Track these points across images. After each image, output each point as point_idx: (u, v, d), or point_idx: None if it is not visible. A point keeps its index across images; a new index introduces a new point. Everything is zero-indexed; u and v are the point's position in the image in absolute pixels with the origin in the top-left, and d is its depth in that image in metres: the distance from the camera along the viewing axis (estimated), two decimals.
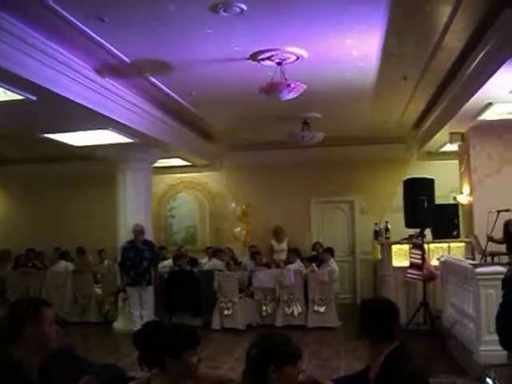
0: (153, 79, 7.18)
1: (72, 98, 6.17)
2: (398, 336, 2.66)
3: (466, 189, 9.13)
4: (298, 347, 2.62)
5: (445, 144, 9.98)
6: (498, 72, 5.81)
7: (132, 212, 9.49)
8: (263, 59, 6.34)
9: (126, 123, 7.59)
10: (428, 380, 2.57)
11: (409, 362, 2.62)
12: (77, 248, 11.35)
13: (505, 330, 2.57)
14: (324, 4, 4.95)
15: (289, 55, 6.27)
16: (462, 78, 6.88)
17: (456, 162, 10.08)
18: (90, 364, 2.85)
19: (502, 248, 7.83)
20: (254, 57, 6.30)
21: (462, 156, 9.37)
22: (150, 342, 2.63)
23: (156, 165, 10.47)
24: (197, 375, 2.67)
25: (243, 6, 4.88)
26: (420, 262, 8.10)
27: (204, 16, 5.06)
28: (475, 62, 6.22)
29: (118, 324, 9.51)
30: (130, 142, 8.75)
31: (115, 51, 5.96)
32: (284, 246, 11.82)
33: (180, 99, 8.23)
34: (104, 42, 5.68)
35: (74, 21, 5.07)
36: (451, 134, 9.06)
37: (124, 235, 9.42)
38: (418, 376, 2.53)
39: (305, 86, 6.38)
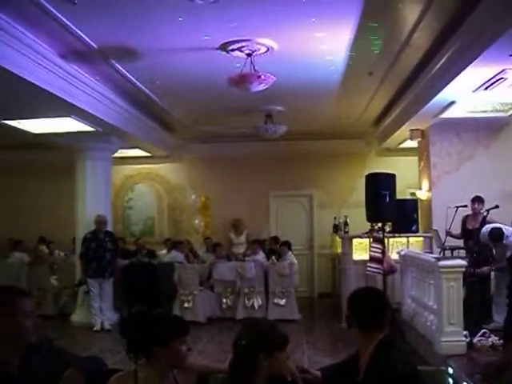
0: (118, 66, 6.99)
1: (34, 81, 5.92)
2: (387, 325, 2.69)
3: (426, 185, 9.35)
4: (285, 333, 2.66)
5: (404, 140, 10.18)
6: (464, 71, 5.95)
7: (91, 202, 9.28)
8: (233, 50, 6.28)
9: (89, 111, 7.39)
10: (417, 369, 2.61)
11: (398, 351, 2.65)
12: (39, 237, 11.07)
13: None
14: None
15: (259, 46, 6.22)
16: (426, 76, 7.01)
17: (412, 158, 10.32)
18: (72, 356, 2.74)
19: (460, 243, 8.06)
20: (224, 47, 6.22)
21: (422, 152, 9.58)
22: (139, 331, 2.56)
23: (114, 155, 10.25)
24: (185, 365, 2.62)
25: None
26: (380, 255, 8.20)
27: (178, 2, 4.97)
28: (441, 61, 6.34)
29: (76, 317, 9.32)
30: (91, 131, 8.55)
31: (83, 36, 5.77)
32: (242, 239, 11.82)
33: (144, 88, 8.06)
34: (72, 26, 5.49)
35: (44, 3, 4.88)
36: (412, 130, 9.26)
37: (82, 226, 9.22)
38: (408, 365, 2.56)
39: (274, 78, 6.37)
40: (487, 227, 6.89)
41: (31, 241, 11.10)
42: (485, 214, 7.46)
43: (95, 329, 8.79)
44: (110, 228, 9.52)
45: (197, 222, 12.06)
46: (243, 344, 2.55)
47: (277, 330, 2.63)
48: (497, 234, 6.61)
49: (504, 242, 6.57)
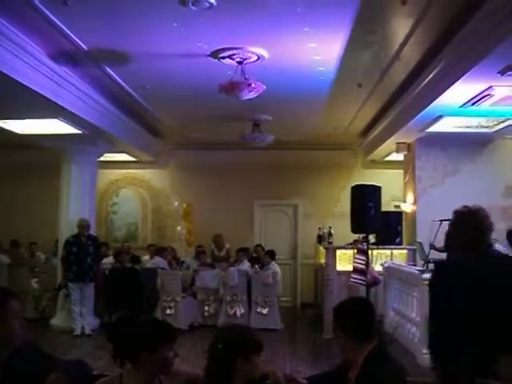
0: (108, 69, 6.97)
1: (23, 81, 5.88)
2: (375, 335, 2.69)
3: (410, 198, 9.41)
4: (259, 337, 2.67)
5: (390, 153, 10.25)
6: (452, 86, 6.01)
7: (75, 205, 9.20)
8: (224, 57, 6.29)
9: (77, 113, 7.34)
10: (406, 379, 2.61)
11: (388, 360, 2.65)
12: (11, 241, 10.87)
13: None
14: (294, 5, 4.95)
15: (250, 55, 6.24)
16: (415, 90, 7.07)
17: (397, 171, 10.39)
18: (57, 360, 2.71)
19: (443, 256, 8.08)
20: (215, 54, 6.23)
21: (407, 165, 9.65)
22: (126, 336, 2.53)
23: (99, 159, 10.17)
24: (171, 371, 2.60)
25: (213, 0, 4.82)
26: (364, 267, 8.23)
27: (172, 8, 4.97)
28: (430, 76, 6.41)
29: (56, 321, 9.19)
30: (78, 134, 8.48)
31: (73, 37, 5.74)
32: (223, 254, 11.59)
33: (133, 92, 8.03)
34: (63, 27, 5.46)
35: (36, 1, 4.85)
36: (398, 143, 9.34)
37: (66, 229, 9.13)
38: (398, 375, 2.56)
39: (264, 87, 6.37)
40: None
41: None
42: None
43: (75, 333, 8.68)
44: (93, 232, 9.44)
45: (179, 228, 11.99)
46: (220, 348, 2.54)
47: (252, 334, 2.64)
48: None
49: None
